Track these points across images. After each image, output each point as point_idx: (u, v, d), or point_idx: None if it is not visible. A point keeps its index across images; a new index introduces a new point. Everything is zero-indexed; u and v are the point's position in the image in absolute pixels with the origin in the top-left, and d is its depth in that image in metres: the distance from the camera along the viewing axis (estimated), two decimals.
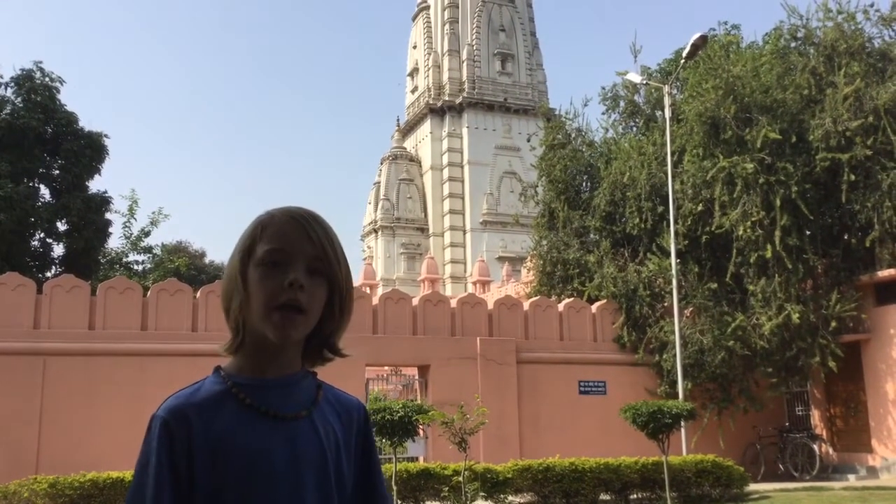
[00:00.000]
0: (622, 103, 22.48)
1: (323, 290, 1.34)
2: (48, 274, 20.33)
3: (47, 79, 20.66)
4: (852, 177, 16.53)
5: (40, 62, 20.79)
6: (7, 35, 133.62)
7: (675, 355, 16.15)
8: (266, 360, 1.35)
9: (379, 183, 54.80)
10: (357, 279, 43.38)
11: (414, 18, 59.17)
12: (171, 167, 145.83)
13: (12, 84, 20.39)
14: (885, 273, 16.82)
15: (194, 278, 25.68)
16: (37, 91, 20.20)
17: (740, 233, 16.69)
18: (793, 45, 19.35)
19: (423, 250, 51.47)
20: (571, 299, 18.21)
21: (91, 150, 20.66)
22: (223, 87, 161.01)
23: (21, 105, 20.04)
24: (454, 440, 9.67)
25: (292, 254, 1.32)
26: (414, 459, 14.10)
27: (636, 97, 22.44)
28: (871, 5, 18.73)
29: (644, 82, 20.46)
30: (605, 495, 12.41)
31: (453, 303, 17.29)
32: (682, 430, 14.20)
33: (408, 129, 57.37)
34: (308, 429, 1.35)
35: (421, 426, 10.82)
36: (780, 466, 17.60)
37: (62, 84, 20.87)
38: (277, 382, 1.36)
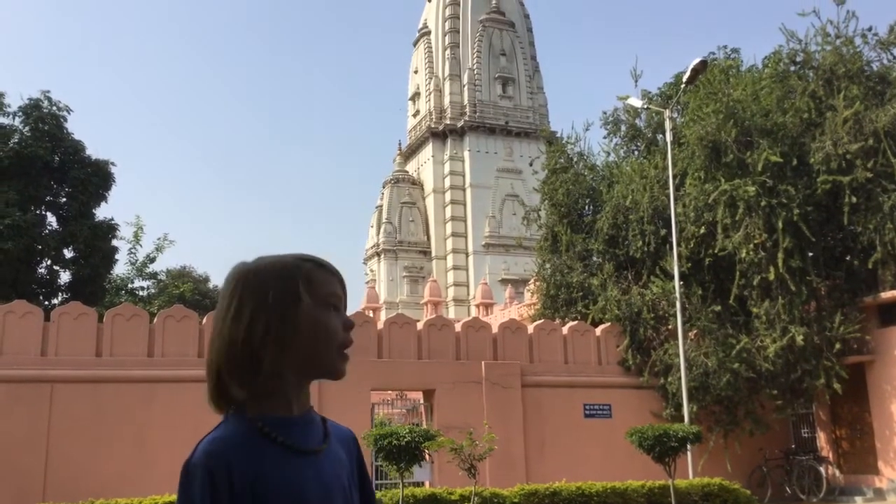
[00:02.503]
0: (623, 127, 22.65)
1: None
2: (55, 301, 20.41)
3: (54, 108, 20.84)
4: (853, 199, 16.63)
5: (48, 91, 20.98)
6: (15, 64, 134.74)
7: (680, 378, 16.17)
8: (293, 398, 1.41)
9: (381, 206, 55.03)
10: (360, 303, 43.47)
11: (415, 44, 59.72)
12: (174, 192, 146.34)
13: (20, 113, 20.57)
14: (888, 294, 16.88)
15: (199, 303, 25.79)
16: (44, 120, 20.37)
17: (743, 255, 16.78)
18: (792, 68, 19.52)
19: (425, 273, 51.58)
20: (575, 322, 18.26)
21: (98, 178, 20.82)
22: (226, 113, 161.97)
23: (29, 134, 20.21)
24: (463, 466, 9.70)
25: (342, 298, 1.44)
26: (420, 484, 14.10)
27: (637, 121, 22.60)
28: (870, 29, 18.96)
29: (645, 106, 20.64)
30: None
31: (458, 327, 17.34)
32: (689, 454, 14.20)
33: (409, 153, 57.72)
34: (329, 461, 1.43)
35: (427, 451, 10.83)
36: (787, 489, 17.56)
37: (69, 113, 21.07)
38: (301, 419, 1.42)
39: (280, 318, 1.37)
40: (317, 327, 1.38)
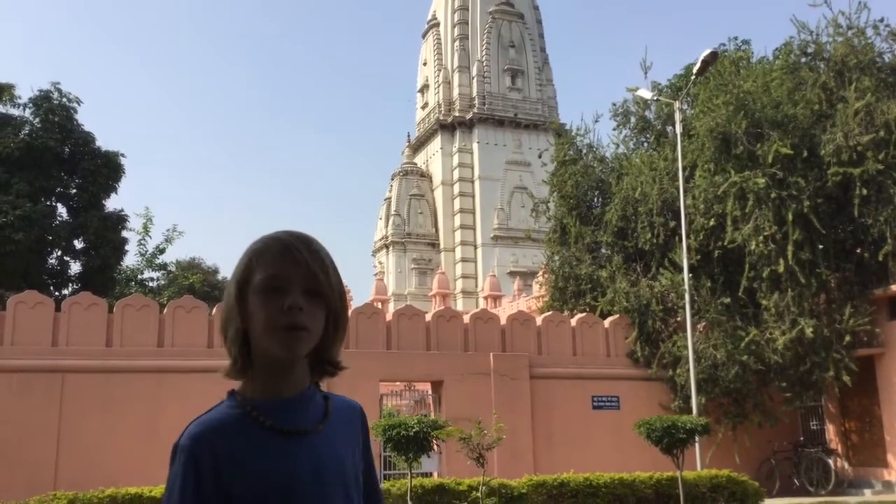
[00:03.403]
0: (633, 119, 22.56)
1: (322, 310, 1.41)
2: (65, 291, 20.51)
3: (65, 99, 20.87)
4: (864, 191, 16.55)
5: (58, 83, 21.03)
6: (25, 56, 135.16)
7: (688, 370, 16.15)
8: (279, 380, 1.41)
9: (390, 198, 55.05)
10: (369, 295, 43.55)
11: (424, 35, 59.60)
12: (184, 183, 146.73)
13: (30, 105, 20.62)
14: None
15: (208, 294, 25.87)
16: (54, 111, 20.42)
17: (753, 247, 16.72)
18: (803, 60, 19.42)
19: (434, 265, 51.61)
20: (584, 314, 18.26)
21: (108, 169, 20.87)
22: (236, 104, 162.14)
23: (39, 125, 20.27)
24: (472, 456, 9.73)
25: (288, 279, 1.37)
26: (428, 475, 14.14)
27: (647, 113, 22.51)
28: (881, 20, 18.83)
29: (654, 98, 20.56)
30: None
31: (466, 318, 17.36)
32: (697, 445, 14.19)
33: (418, 145, 57.70)
34: (326, 442, 1.42)
35: (435, 441, 10.87)
36: (796, 481, 17.54)
37: (79, 104, 21.11)
38: (293, 401, 1.42)
39: (235, 300, 1.40)
40: (255, 312, 1.37)
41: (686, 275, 16.57)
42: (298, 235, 1.44)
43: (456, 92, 54.67)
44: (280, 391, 1.41)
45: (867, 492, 16.70)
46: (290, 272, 1.38)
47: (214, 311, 15.36)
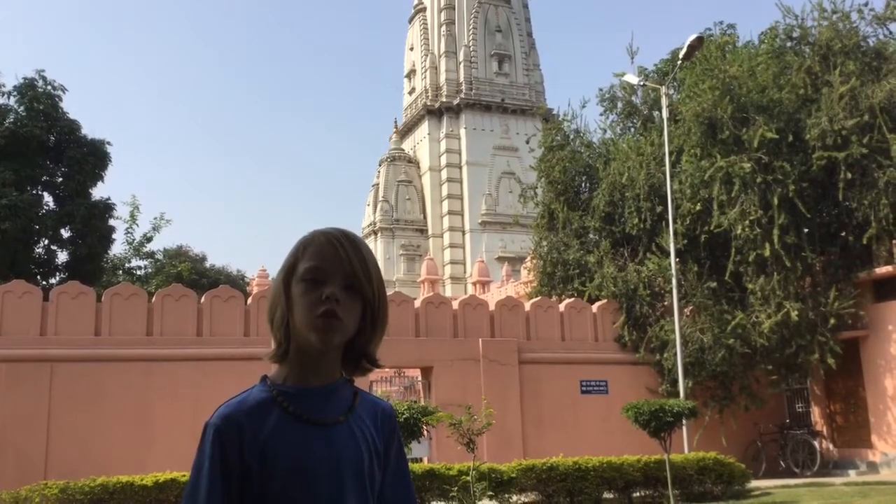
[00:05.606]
0: (620, 104, 22.62)
1: (358, 305, 1.47)
2: (52, 281, 20.44)
3: (49, 87, 20.73)
4: (849, 175, 16.68)
5: (42, 70, 20.88)
6: (9, 44, 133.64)
7: (675, 354, 16.29)
8: (309, 369, 1.47)
9: (377, 185, 54.92)
10: None
11: (410, 20, 59.30)
12: (170, 171, 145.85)
13: (15, 93, 20.48)
14: (882, 270, 16.98)
15: (196, 283, 25.83)
16: (39, 99, 20.29)
17: (739, 232, 16.84)
18: (788, 44, 19.49)
19: (422, 251, 51.58)
20: (572, 299, 18.35)
21: (94, 158, 20.77)
22: (221, 90, 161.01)
23: (24, 113, 20.13)
24: (462, 441, 9.81)
25: (329, 272, 1.44)
26: (419, 460, 14.24)
27: (633, 98, 22.57)
28: (866, 4, 18.90)
29: (641, 83, 20.61)
30: (609, 494, 12.53)
31: (455, 304, 17.42)
32: (684, 429, 14.34)
33: (406, 131, 57.51)
34: (347, 434, 1.47)
35: (425, 427, 10.94)
36: (782, 463, 17.75)
37: (64, 92, 20.98)
38: (318, 391, 1.47)
39: (281, 287, 1.48)
40: (295, 300, 1.44)
41: (673, 259, 16.68)
42: (345, 233, 1.51)
43: (443, 77, 54.48)
44: (308, 380, 1.47)
45: (852, 472, 16.92)
46: (332, 265, 1.45)
47: (203, 299, 15.35)
